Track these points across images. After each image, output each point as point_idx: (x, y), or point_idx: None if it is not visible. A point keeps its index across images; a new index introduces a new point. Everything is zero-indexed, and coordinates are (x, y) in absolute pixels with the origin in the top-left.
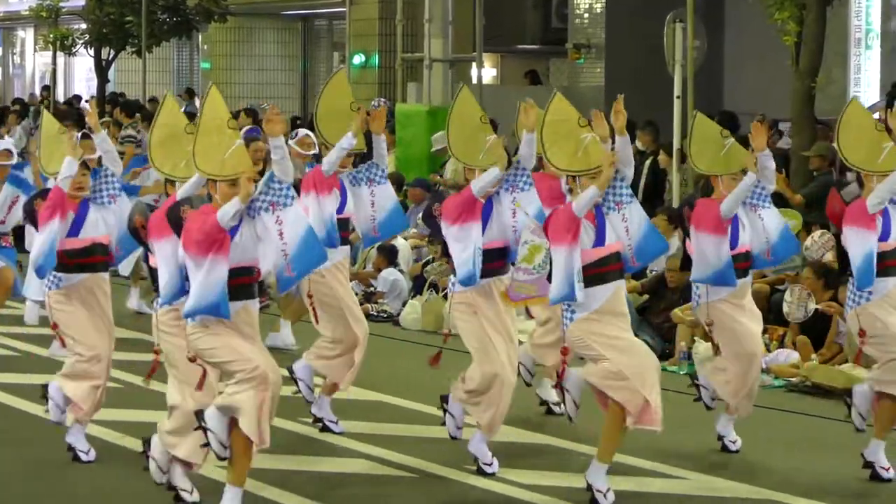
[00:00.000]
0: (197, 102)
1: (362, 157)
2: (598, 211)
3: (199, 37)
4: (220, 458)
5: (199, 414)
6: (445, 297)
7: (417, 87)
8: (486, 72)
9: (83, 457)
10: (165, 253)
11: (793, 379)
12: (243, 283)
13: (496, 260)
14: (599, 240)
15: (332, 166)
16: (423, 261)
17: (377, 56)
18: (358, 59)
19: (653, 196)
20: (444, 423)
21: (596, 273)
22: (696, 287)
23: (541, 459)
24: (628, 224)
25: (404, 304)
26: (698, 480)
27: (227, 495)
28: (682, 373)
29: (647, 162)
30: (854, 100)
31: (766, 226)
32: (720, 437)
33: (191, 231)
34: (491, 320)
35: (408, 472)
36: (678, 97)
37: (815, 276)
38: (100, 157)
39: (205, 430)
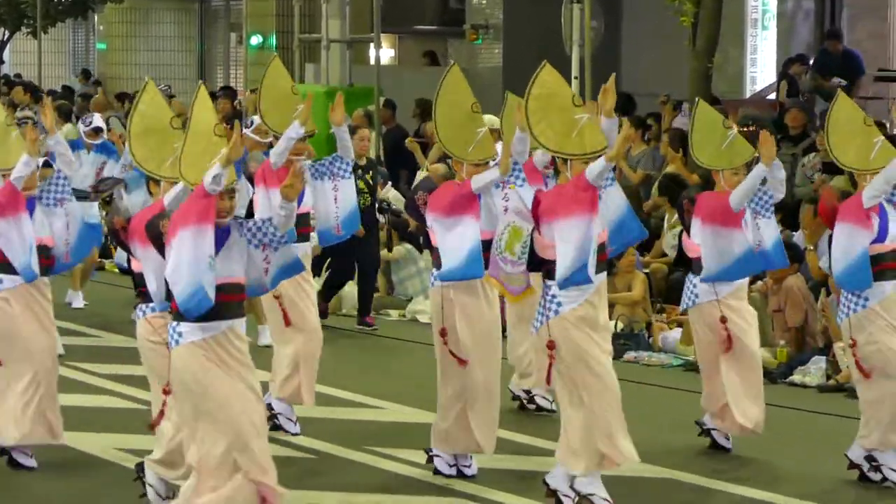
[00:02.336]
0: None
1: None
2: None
3: (95, 17)
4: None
5: (140, 465)
6: None
7: (315, 68)
8: (384, 52)
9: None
10: (153, 261)
11: (690, 358)
12: (230, 300)
13: (483, 252)
14: None
15: (281, 158)
16: None
17: (274, 37)
18: (255, 39)
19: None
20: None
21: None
22: (692, 285)
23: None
24: (603, 207)
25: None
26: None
27: None
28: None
29: None
30: (841, 93)
31: (762, 234)
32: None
33: (175, 224)
34: (470, 321)
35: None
36: (576, 78)
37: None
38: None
39: (143, 482)
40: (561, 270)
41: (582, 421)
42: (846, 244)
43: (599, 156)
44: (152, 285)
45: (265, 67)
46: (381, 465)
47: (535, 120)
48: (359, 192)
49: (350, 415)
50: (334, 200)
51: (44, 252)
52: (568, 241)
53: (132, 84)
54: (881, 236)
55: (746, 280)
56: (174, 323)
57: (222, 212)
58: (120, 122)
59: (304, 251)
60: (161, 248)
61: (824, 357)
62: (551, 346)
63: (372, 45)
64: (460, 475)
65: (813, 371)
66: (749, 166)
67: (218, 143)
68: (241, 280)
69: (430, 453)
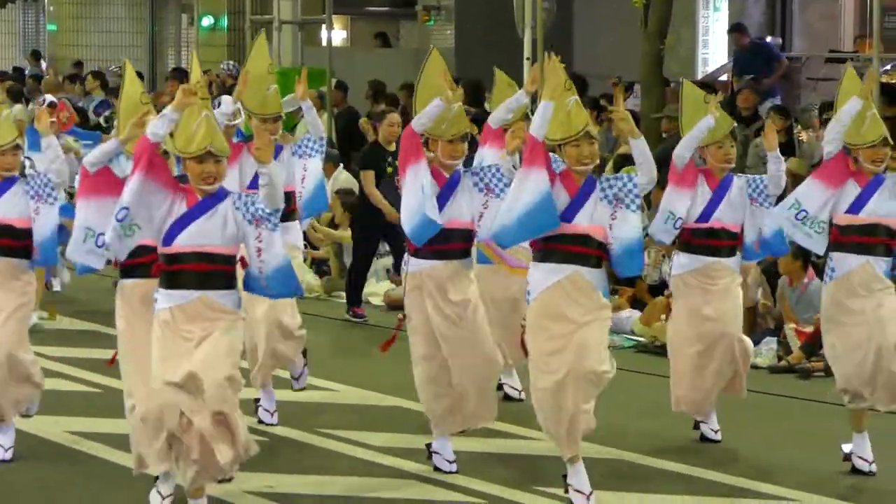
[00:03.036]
0: (44, 65)
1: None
2: (587, 183)
3: None
4: None
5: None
6: None
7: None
8: (336, 34)
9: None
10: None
11: (642, 339)
12: (202, 269)
13: (455, 241)
14: (568, 216)
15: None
16: None
17: (226, 18)
18: (206, 21)
19: None
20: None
21: (555, 248)
22: (671, 258)
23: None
24: (615, 224)
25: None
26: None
27: None
28: None
29: None
30: (848, 67)
31: (760, 225)
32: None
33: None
34: (442, 311)
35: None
36: (528, 59)
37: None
38: None
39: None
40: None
41: None
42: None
43: (587, 132)
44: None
45: (252, 45)
46: (336, 448)
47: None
48: (394, 176)
49: (303, 397)
50: (302, 180)
51: (8, 231)
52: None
53: (83, 66)
54: (856, 207)
55: (728, 263)
56: (156, 288)
57: (209, 177)
58: (70, 104)
59: (295, 228)
60: None
61: (775, 338)
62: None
63: (324, 26)
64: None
65: (764, 352)
66: (734, 136)
67: (147, 112)
68: (218, 249)
69: (431, 450)
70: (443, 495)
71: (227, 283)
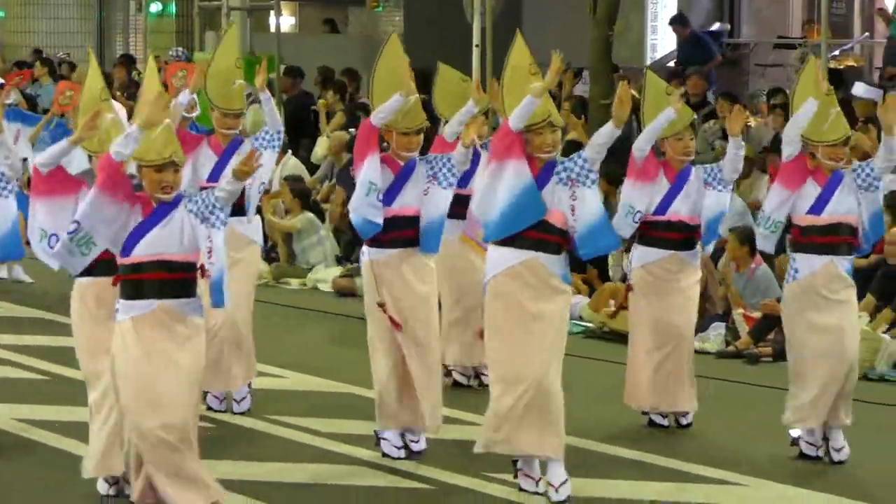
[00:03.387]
0: None
1: None
2: (546, 169)
3: None
4: None
5: None
6: None
7: (216, 36)
8: (285, 20)
9: None
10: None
11: (590, 325)
12: (161, 278)
13: (406, 228)
14: None
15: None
16: None
17: (174, 4)
18: (155, 7)
19: None
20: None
21: (515, 234)
22: (632, 249)
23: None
24: (576, 205)
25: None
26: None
27: None
28: None
29: None
30: (811, 58)
31: (709, 205)
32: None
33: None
34: (398, 301)
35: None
36: (477, 46)
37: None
38: None
39: None
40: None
41: None
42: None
43: (549, 123)
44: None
45: (223, 34)
46: (282, 434)
47: (506, 92)
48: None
49: (252, 384)
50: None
51: None
52: (495, 183)
53: (30, 53)
54: (817, 208)
55: (687, 256)
56: (117, 299)
57: (167, 186)
58: (20, 92)
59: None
60: None
61: (724, 323)
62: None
63: (272, 12)
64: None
65: (712, 338)
66: (693, 128)
67: (105, 109)
68: (176, 257)
69: (380, 436)
70: (392, 482)
71: (187, 291)
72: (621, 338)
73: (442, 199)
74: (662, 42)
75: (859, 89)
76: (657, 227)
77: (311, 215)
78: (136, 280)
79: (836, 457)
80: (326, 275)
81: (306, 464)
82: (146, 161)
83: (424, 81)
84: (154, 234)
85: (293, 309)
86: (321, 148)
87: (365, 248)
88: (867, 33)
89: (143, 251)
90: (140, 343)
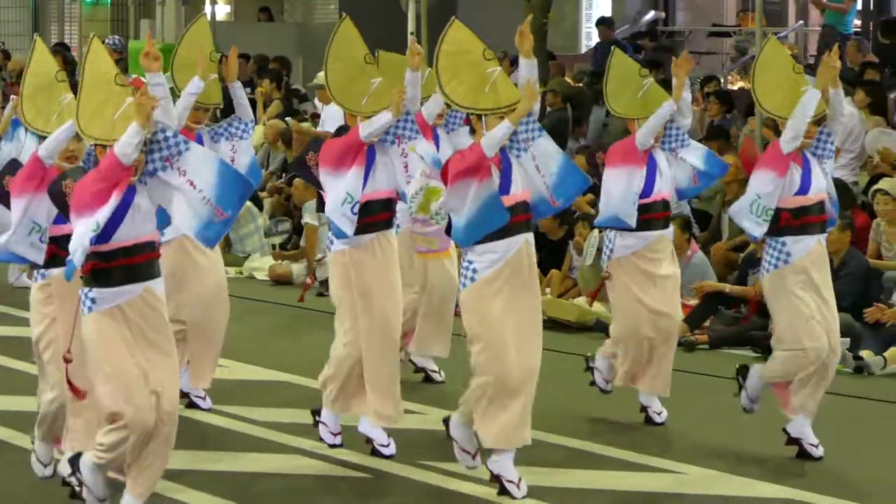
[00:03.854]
0: None
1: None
2: (503, 155)
3: None
4: None
5: (74, 461)
6: None
7: (150, 24)
8: (220, 8)
9: None
10: (14, 211)
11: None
12: (144, 260)
13: (380, 212)
14: (504, 188)
15: (181, 118)
16: None
17: None
18: None
19: None
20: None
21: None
22: (607, 240)
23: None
24: (538, 162)
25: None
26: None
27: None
28: None
29: None
30: (772, 38)
31: (690, 162)
32: (644, 409)
33: (84, 187)
34: (369, 285)
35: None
36: (412, 34)
37: (679, 231)
38: None
39: (79, 482)
40: (455, 234)
41: None
42: (753, 187)
43: (514, 109)
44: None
45: (191, 24)
46: (219, 423)
47: (446, 78)
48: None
49: None
50: (231, 161)
51: None
52: (459, 205)
53: None
54: (804, 188)
55: (669, 233)
56: (86, 288)
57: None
58: None
59: None
60: (65, 209)
61: None
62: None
63: (207, 1)
64: (375, 454)
65: None
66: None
67: (121, 93)
68: (152, 237)
69: (317, 419)
70: (327, 470)
71: (159, 270)
72: (557, 324)
73: (422, 148)
74: (597, 31)
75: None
76: (640, 209)
77: (248, 203)
78: (116, 266)
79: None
80: (262, 263)
81: (244, 453)
82: (112, 140)
83: None
84: (126, 222)
85: (230, 298)
86: (256, 136)
87: (333, 238)
88: (801, 21)
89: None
90: (129, 327)
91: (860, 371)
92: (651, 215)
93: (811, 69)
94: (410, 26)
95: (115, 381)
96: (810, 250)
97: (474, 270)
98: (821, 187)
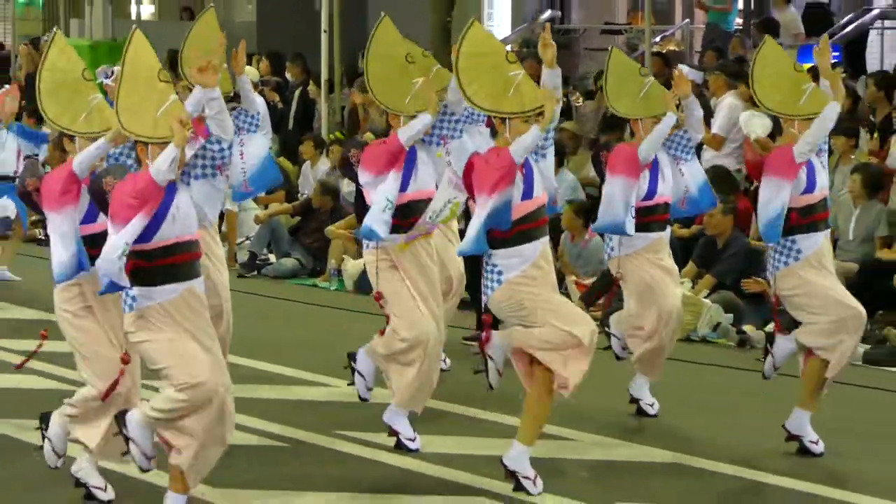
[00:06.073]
0: None
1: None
2: (525, 159)
3: None
4: (143, 471)
5: (120, 417)
6: None
7: (80, 23)
8: (145, 8)
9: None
10: (61, 226)
11: None
12: (185, 259)
13: (420, 214)
14: (528, 192)
15: (196, 109)
16: None
17: None
18: None
19: (303, 123)
20: (351, 384)
21: (525, 230)
22: (608, 238)
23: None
24: (547, 174)
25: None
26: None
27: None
28: (332, 288)
29: (297, 92)
30: (768, 38)
31: (686, 180)
32: (635, 400)
33: (122, 195)
34: (415, 280)
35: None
36: (325, 31)
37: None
38: None
39: (126, 438)
40: (464, 245)
41: None
42: (771, 197)
43: (539, 112)
44: (59, 255)
45: (198, 17)
46: None
47: (468, 80)
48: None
49: None
50: (240, 156)
51: None
52: (482, 215)
53: None
54: (810, 186)
55: (667, 234)
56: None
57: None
58: None
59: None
60: (105, 207)
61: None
62: (488, 319)
63: (133, 0)
64: (400, 447)
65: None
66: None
67: (165, 91)
68: (193, 237)
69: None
70: (245, 440)
71: (199, 271)
72: None
73: (477, 141)
74: (498, 27)
75: (682, 71)
76: (643, 212)
77: None
78: (161, 265)
79: None
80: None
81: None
82: (155, 138)
83: (278, 65)
84: (170, 220)
85: None
86: None
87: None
88: (688, 20)
89: (168, 234)
90: (166, 321)
91: (743, 344)
92: (652, 218)
93: (700, 65)
94: (323, 25)
95: (174, 356)
96: (820, 245)
97: (499, 272)
98: (823, 184)
